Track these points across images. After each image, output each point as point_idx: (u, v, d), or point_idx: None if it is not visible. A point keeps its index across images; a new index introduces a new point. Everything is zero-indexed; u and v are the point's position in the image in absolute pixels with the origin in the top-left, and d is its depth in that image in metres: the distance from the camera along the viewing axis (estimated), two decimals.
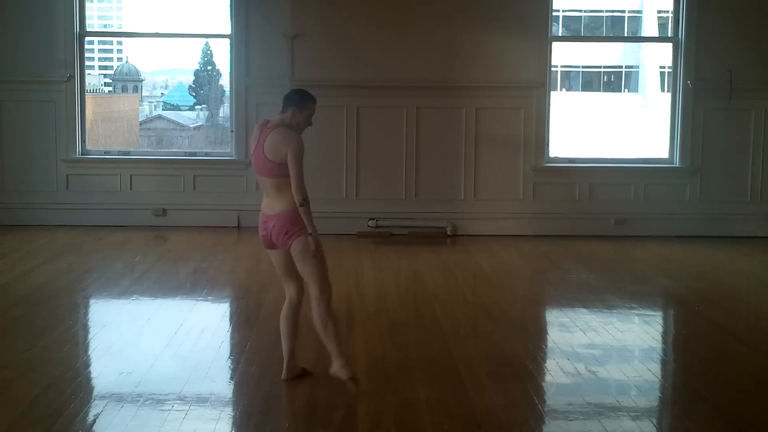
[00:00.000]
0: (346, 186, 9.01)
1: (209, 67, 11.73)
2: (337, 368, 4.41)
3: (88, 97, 9.68)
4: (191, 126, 12.14)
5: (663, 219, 9.15)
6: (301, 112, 4.43)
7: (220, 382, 4.64)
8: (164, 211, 9.29)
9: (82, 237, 8.63)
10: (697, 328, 5.99)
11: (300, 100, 4.45)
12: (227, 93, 9.97)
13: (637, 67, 14.81)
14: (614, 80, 15.09)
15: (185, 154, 9.67)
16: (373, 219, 8.98)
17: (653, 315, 6.46)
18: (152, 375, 4.66)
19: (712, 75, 9.01)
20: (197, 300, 6.43)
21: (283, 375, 4.56)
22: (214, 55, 11.62)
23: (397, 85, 8.92)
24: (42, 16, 9.04)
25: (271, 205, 4.40)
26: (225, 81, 10.37)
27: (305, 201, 4.28)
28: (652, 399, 4.59)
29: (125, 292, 6.53)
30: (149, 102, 12.56)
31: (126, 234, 8.84)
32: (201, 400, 4.30)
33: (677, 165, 9.22)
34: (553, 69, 9.37)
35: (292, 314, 4.57)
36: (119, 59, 12.15)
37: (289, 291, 4.57)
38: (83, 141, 9.36)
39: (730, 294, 7.00)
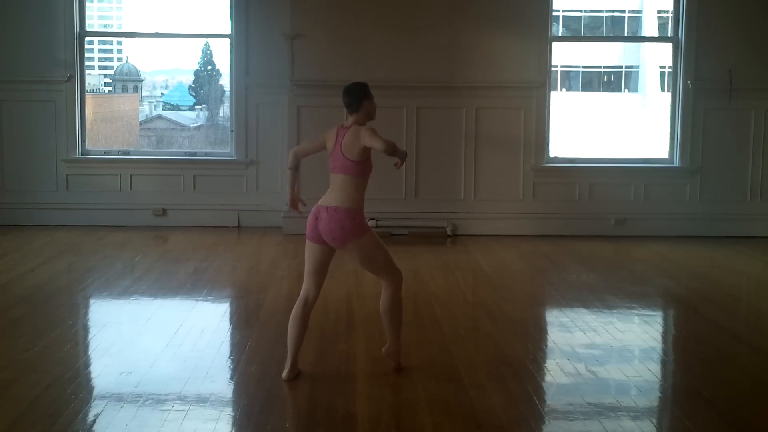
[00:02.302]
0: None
1: (209, 67, 11.72)
2: (388, 352, 4.75)
3: (88, 97, 9.68)
4: (191, 126, 12.13)
5: (663, 219, 9.15)
6: (371, 101, 4.60)
7: (220, 382, 4.63)
8: (164, 211, 9.29)
9: (82, 237, 8.63)
10: (697, 328, 5.99)
11: (365, 92, 4.59)
12: (227, 93, 9.98)
13: (637, 67, 14.81)
14: (614, 80, 15.09)
15: (185, 154, 9.67)
16: (373, 219, 8.97)
17: (653, 315, 6.46)
18: (152, 375, 4.66)
19: (712, 75, 9.02)
20: (197, 300, 6.43)
21: (285, 375, 4.57)
22: (214, 55, 11.62)
23: (397, 85, 8.91)
24: (42, 16, 9.04)
25: (329, 198, 4.54)
26: (225, 81, 10.37)
27: (392, 145, 4.38)
28: (652, 399, 4.59)
29: (125, 292, 6.53)
30: (149, 102, 12.55)
31: (126, 234, 8.85)
32: (201, 400, 4.30)
33: (677, 165, 9.23)
34: (553, 69, 9.37)
35: (305, 314, 4.60)
36: (119, 59, 12.14)
37: (310, 290, 4.60)
38: (83, 141, 9.36)
39: (730, 294, 6.99)
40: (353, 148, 4.49)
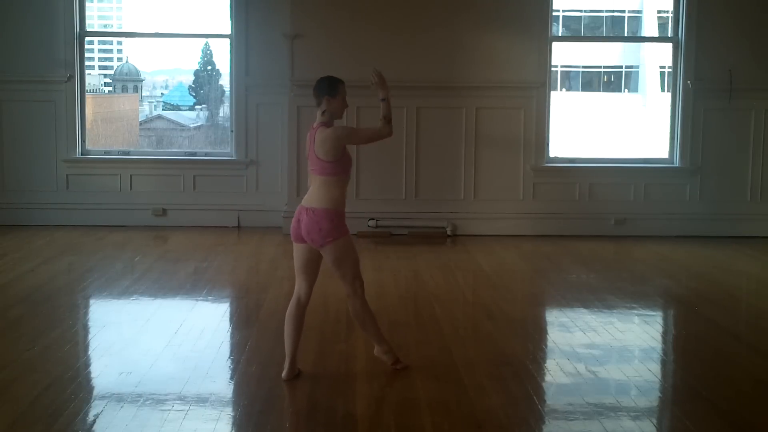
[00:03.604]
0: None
1: (209, 67, 11.73)
2: (380, 353, 4.77)
3: (88, 97, 9.68)
4: (191, 126, 12.13)
5: (663, 219, 9.15)
6: (335, 98, 4.54)
7: (220, 382, 4.64)
8: (164, 211, 9.29)
9: (82, 237, 8.63)
10: (697, 328, 5.99)
11: (329, 87, 4.54)
12: (227, 93, 9.98)
13: (637, 67, 14.82)
14: (614, 80, 15.09)
15: (185, 154, 9.67)
16: (373, 219, 8.98)
17: (653, 315, 6.46)
18: (152, 375, 4.65)
19: (712, 75, 9.01)
20: (197, 300, 6.43)
21: (285, 375, 4.57)
22: (214, 55, 11.62)
23: (397, 85, 8.77)
24: (42, 16, 9.04)
25: (309, 198, 4.51)
26: (225, 81, 10.37)
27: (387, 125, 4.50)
28: (652, 399, 4.59)
29: (125, 292, 6.53)
30: (149, 102, 12.55)
31: (126, 234, 8.85)
32: (201, 400, 4.30)
33: (677, 165, 9.22)
34: (553, 69, 9.37)
35: (299, 313, 4.61)
36: (119, 59, 12.14)
37: (301, 289, 4.61)
38: (83, 141, 9.36)
39: (730, 294, 6.99)
40: (325, 149, 4.45)
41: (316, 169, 4.50)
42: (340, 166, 4.48)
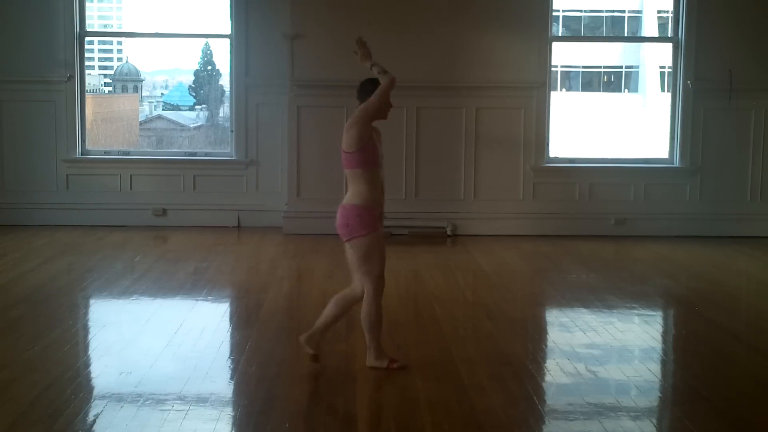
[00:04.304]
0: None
1: (209, 67, 11.73)
2: (371, 361, 4.71)
3: (88, 97, 9.68)
4: (191, 126, 12.14)
5: (663, 219, 9.15)
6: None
7: (220, 382, 4.63)
8: (164, 211, 9.29)
9: (82, 237, 8.63)
10: (697, 328, 5.99)
11: (373, 88, 4.63)
12: (227, 93, 9.98)
13: (637, 67, 14.82)
14: (614, 80, 15.10)
15: (185, 154, 9.68)
16: None
17: (653, 315, 6.46)
18: (152, 375, 4.65)
19: (712, 75, 9.01)
20: (197, 300, 6.43)
21: (303, 338, 4.68)
22: (214, 55, 11.63)
23: (398, 85, 8.80)
24: (42, 16, 9.04)
25: (345, 197, 4.62)
26: (225, 81, 10.38)
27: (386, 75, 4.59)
28: (652, 399, 4.59)
29: (125, 292, 6.53)
30: (149, 102, 12.55)
31: (126, 234, 8.85)
32: (201, 400, 4.30)
33: (677, 165, 9.23)
34: (553, 69, 9.37)
35: (347, 303, 4.71)
36: (119, 59, 12.15)
37: (356, 286, 4.69)
38: (83, 141, 9.36)
39: (730, 294, 7.00)
40: (349, 137, 4.53)
41: (343, 162, 4.59)
42: (362, 157, 4.51)
